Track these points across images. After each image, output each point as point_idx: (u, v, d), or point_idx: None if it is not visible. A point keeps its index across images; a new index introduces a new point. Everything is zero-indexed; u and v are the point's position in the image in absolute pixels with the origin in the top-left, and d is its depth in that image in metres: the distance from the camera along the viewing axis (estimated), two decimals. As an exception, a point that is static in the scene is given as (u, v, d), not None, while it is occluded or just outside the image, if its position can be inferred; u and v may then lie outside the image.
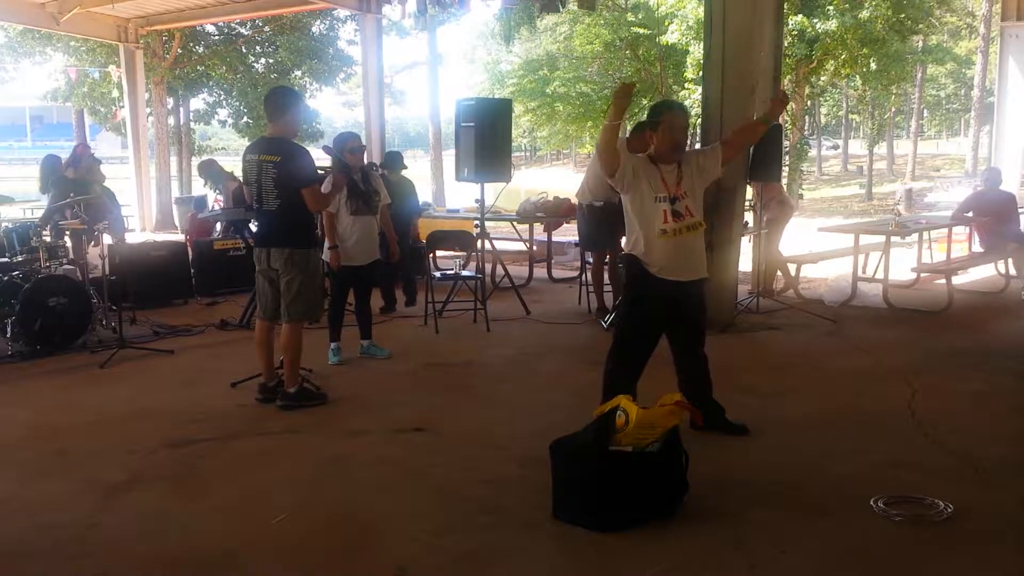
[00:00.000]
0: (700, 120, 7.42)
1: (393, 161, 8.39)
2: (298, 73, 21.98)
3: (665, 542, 3.27)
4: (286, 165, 4.87)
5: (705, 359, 4.47)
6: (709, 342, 4.55)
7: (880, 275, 8.18)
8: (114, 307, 6.70)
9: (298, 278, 4.98)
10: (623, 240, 7.79)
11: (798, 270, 8.36)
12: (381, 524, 3.50)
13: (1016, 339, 6.86)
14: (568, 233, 10.90)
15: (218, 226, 10.07)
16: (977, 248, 9.49)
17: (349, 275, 6.14)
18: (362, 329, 6.33)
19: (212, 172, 11.18)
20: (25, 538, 3.39)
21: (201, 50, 21.28)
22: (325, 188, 5.74)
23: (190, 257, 8.92)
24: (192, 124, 24.86)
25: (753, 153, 7.06)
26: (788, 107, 21.12)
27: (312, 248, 5.13)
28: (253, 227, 6.78)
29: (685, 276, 4.30)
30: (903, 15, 20.71)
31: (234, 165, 9.68)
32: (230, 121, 23.26)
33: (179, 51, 19.21)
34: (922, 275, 8.65)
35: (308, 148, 5.48)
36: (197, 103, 23.63)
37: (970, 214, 8.94)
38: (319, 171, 5.56)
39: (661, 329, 4.38)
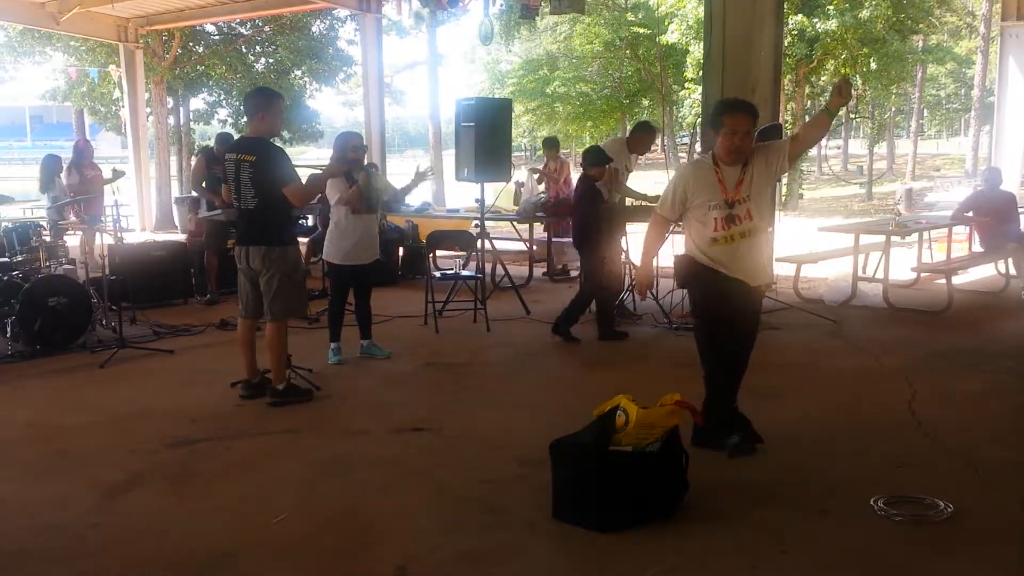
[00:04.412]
0: (700, 120, 7.42)
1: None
2: (298, 73, 21.97)
3: (665, 542, 3.27)
4: (262, 165, 4.92)
5: (745, 366, 4.27)
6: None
7: (880, 275, 8.18)
8: (114, 307, 6.70)
9: (276, 276, 5.01)
10: (622, 240, 7.81)
11: (797, 270, 8.35)
12: (381, 524, 3.50)
13: (1016, 339, 6.85)
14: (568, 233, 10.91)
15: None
16: (977, 248, 9.48)
17: (349, 275, 6.13)
18: (362, 329, 6.33)
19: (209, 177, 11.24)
20: (25, 538, 3.39)
21: (201, 50, 21.27)
22: (331, 194, 5.77)
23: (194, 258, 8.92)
24: (192, 124, 24.85)
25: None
26: (787, 107, 21.13)
27: (289, 245, 5.15)
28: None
29: (746, 278, 4.11)
30: (903, 15, 20.73)
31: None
32: (230, 121, 23.23)
33: (179, 51, 19.20)
34: (922, 275, 8.65)
35: (313, 148, 5.55)
36: (197, 103, 23.63)
37: (970, 214, 8.94)
38: (317, 170, 5.61)
39: (737, 319, 4.13)
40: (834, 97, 3.96)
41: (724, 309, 4.10)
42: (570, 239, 10.60)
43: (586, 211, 6.75)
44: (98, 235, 7.58)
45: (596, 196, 6.74)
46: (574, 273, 9.95)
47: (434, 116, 24.31)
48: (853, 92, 4.28)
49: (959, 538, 3.31)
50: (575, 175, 7.99)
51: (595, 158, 6.79)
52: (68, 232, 7.69)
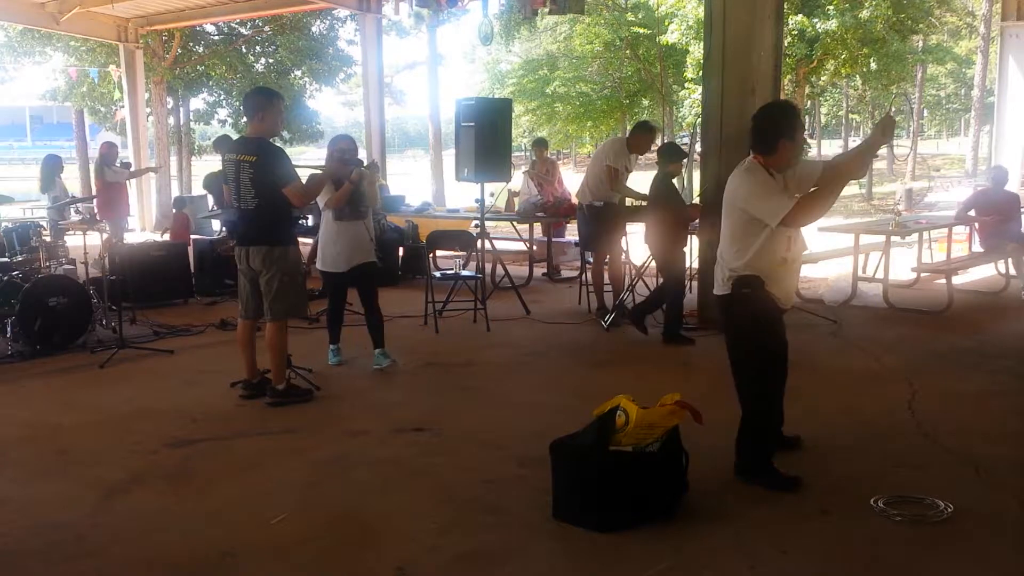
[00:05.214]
0: (700, 120, 7.41)
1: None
2: (298, 73, 21.97)
3: (665, 542, 3.27)
4: (262, 165, 4.92)
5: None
6: (709, 342, 4.54)
7: (880, 275, 8.17)
8: (114, 307, 6.70)
9: (277, 276, 5.02)
10: (623, 240, 7.80)
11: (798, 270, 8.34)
12: (381, 524, 3.50)
13: (1016, 339, 6.85)
14: (568, 232, 10.91)
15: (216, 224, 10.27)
16: (977, 248, 9.48)
17: (339, 279, 6.08)
18: (373, 338, 6.01)
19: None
20: (25, 538, 3.39)
21: (201, 50, 21.27)
22: (322, 198, 5.74)
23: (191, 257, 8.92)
24: (192, 124, 24.86)
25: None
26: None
27: (290, 245, 5.16)
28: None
29: (791, 302, 3.94)
30: (903, 15, 20.69)
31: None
32: (230, 121, 23.24)
33: (179, 51, 19.21)
34: (922, 275, 8.64)
35: (313, 148, 5.56)
36: (197, 103, 23.64)
37: (972, 212, 8.93)
38: (317, 170, 5.60)
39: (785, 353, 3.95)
40: (876, 136, 3.70)
41: (782, 348, 3.99)
42: (568, 239, 10.67)
43: (665, 209, 6.68)
44: (103, 235, 7.59)
45: (673, 193, 6.77)
46: (569, 274, 9.95)
47: (434, 116, 24.30)
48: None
49: (959, 538, 3.31)
50: (572, 175, 7.97)
51: (670, 155, 6.82)
52: (68, 232, 7.69)
